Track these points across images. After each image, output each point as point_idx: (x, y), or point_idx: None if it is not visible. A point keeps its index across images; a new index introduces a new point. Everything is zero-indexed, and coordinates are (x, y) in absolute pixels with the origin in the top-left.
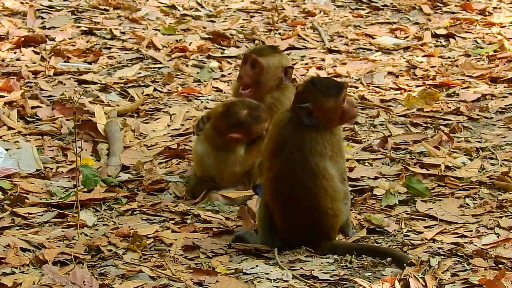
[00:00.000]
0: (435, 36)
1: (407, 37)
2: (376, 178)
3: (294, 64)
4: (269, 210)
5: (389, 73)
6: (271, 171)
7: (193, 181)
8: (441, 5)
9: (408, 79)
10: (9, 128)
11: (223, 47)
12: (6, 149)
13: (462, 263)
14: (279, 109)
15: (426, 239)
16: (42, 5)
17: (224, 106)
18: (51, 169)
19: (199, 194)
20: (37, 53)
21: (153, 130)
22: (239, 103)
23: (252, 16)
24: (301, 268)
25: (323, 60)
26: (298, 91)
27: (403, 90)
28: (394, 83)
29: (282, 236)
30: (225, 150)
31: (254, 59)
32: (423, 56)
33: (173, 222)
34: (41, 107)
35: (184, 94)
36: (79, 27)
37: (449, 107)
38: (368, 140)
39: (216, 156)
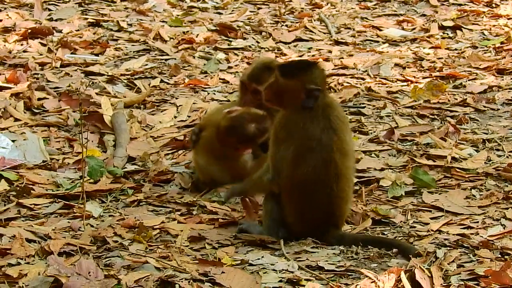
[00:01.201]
0: (442, 28)
1: (414, 29)
2: (382, 169)
3: (301, 56)
4: (275, 200)
5: (396, 64)
6: (302, 166)
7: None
8: None
9: (415, 71)
10: (16, 120)
11: (230, 39)
12: (13, 141)
13: (468, 254)
14: None
15: (432, 230)
16: None
17: (228, 120)
18: (58, 160)
19: (204, 187)
20: (44, 45)
21: (160, 122)
22: (244, 116)
23: (259, 8)
24: (307, 259)
25: (330, 52)
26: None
27: (409, 82)
28: (401, 74)
29: (290, 227)
30: (230, 158)
31: (255, 88)
32: (430, 48)
33: (179, 213)
34: (47, 98)
35: (191, 85)
36: (86, 19)
37: (456, 99)
38: (374, 132)
39: (221, 163)
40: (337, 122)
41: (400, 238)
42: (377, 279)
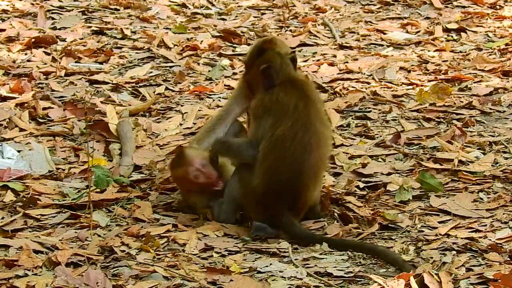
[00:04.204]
0: (446, 30)
1: (418, 32)
2: (389, 173)
3: (305, 61)
4: (242, 182)
5: (401, 68)
6: (278, 130)
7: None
8: None
9: (420, 74)
10: (21, 130)
11: (234, 45)
12: (18, 151)
13: (477, 258)
14: None
15: (440, 234)
16: (52, 6)
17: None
18: (63, 170)
19: None
20: (48, 54)
21: (165, 129)
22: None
23: (263, 14)
24: (315, 265)
25: (334, 56)
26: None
27: (415, 85)
28: (406, 78)
29: (251, 198)
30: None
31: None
32: (434, 51)
33: (186, 221)
34: (52, 108)
35: (196, 92)
36: (89, 27)
37: (462, 101)
38: (381, 136)
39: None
40: (313, 94)
41: (408, 242)
42: (386, 284)
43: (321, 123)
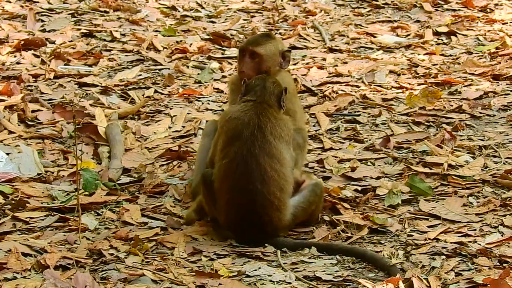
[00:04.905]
0: (436, 34)
1: (408, 35)
2: (378, 177)
3: (295, 64)
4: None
5: (391, 71)
6: (226, 157)
7: (195, 182)
8: (442, 2)
9: (410, 78)
10: (10, 132)
11: (224, 48)
12: (7, 153)
13: (466, 263)
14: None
15: (429, 238)
16: (41, 8)
17: None
18: (52, 173)
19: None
20: (37, 56)
21: (154, 132)
22: None
23: (252, 16)
24: (304, 269)
25: (324, 59)
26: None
27: (404, 89)
28: (396, 81)
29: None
30: None
31: (252, 50)
32: (424, 54)
33: (174, 224)
34: (41, 110)
35: (185, 95)
36: (79, 29)
37: (451, 105)
38: (370, 140)
39: None
40: (266, 121)
41: (397, 247)
42: None
43: (266, 154)
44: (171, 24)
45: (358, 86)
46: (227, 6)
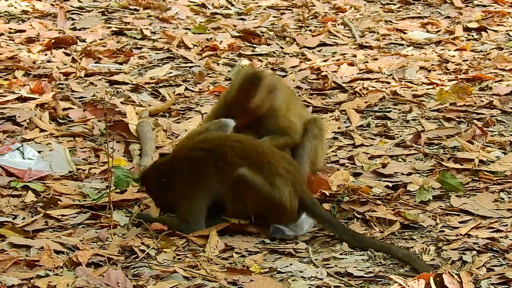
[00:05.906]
0: (466, 29)
1: (438, 31)
2: (409, 173)
3: (325, 61)
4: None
5: (421, 67)
6: None
7: None
8: None
9: (440, 74)
10: (41, 130)
11: (254, 45)
12: (39, 152)
13: (498, 258)
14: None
15: (461, 234)
16: (72, 7)
17: None
18: (84, 170)
19: None
20: (68, 55)
21: (185, 130)
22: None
23: (282, 13)
24: (336, 265)
25: (354, 56)
26: None
27: (435, 85)
28: (426, 77)
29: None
30: None
31: (245, 105)
32: (455, 50)
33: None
34: (72, 108)
35: (215, 93)
36: (109, 27)
37: (482, 101)
38: (401, 136)
39: None
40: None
41: (429, 242)
42: (406, 284)
43: None
44: (201, 22)
45: (388, 83)
46: (257, 3)
